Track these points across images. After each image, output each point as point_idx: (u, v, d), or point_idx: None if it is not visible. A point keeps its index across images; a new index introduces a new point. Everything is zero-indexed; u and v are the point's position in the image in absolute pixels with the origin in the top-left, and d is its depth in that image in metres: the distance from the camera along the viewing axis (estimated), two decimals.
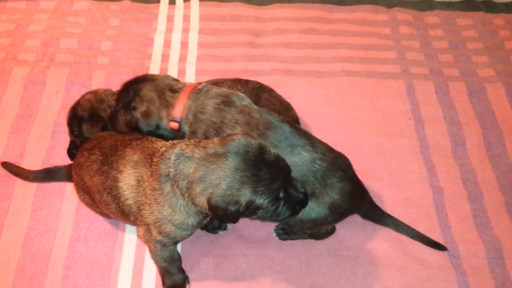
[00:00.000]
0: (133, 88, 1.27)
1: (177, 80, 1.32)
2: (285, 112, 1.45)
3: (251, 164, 0.99)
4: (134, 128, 1.26)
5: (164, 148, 1.09)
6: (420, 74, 1.73)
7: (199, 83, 1.29)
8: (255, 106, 1.25)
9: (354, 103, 1.64)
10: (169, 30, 1.84)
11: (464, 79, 1.71)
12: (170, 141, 1.13)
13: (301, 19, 1.90)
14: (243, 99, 1.25)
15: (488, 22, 1.90)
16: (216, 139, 1.04)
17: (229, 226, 1.35)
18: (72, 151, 1.41)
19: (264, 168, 1.00)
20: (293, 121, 1.42)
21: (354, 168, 1.22)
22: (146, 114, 1.26)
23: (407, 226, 1.33)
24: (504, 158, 1.52)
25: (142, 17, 1.86)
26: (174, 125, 1.24)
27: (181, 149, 1.04)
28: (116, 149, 1.17)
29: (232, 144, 1.01)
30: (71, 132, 1.40)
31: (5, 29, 1.80)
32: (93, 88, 1.61)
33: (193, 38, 1.82)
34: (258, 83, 1.49)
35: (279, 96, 1.49)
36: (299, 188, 1.07)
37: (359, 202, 1.25)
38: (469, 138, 1.56)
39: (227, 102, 1.23)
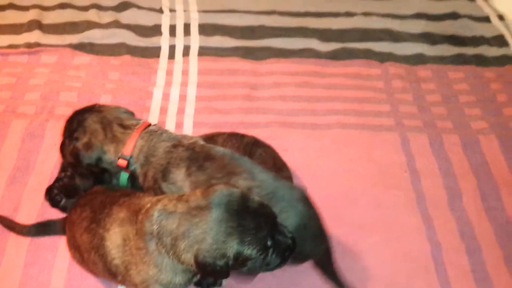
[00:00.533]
0: (78, 118, 1.28)
1: (129, 113, 1.32)
2: (278, 172, 1.37)
3: (235, 214, 0.98)
4: (76, 159, 1.26)
5: (149, 205, 1.08)
6: (414, 126, 1.75)
7: (151, 124, 1.29)
8: (202, 142, 1.24)
9: (349, 155, 1.66)
10: (168, 84, 1.88)
11: (457, 131, 1.74)
12: (155, 197, 1.12)
13: (296, 73, 1.95)
14: (191, 139, 1.24)
15: (480, 76, 1.94)
16: (198, 191, 1.03)
17: (224, 282, 1.33)
18: (53, 190, 1.34)
19: (249, 217, 0.98)
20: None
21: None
22: (88, 146, 1.25)
23: None
24: (500, 211, 1.51)
25: (141, 71, 1.90)
26: (123, 162, 1.23)
27: (164, 205, 1.04)
28: (105, 206, 1.16)
29: (213, 195, 1.00)
30: (63, 170, 1.36)
31: (6, 82, 1.83)
32: None
33: (191, 91, 1.86)
34: (254, 138, 1.49)
35: (275, 153, 1.48)
36: (286, 234, 1.04)
37: (312, 244, 1.19)
38: (465, 190, 1.56)
39: (177, 145, 1.22)
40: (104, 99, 1.79)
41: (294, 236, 1.06)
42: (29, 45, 1.96)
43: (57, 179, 1.37)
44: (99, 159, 1.25)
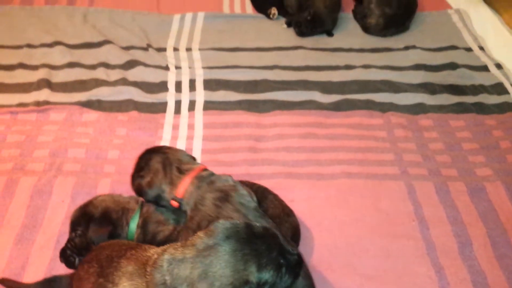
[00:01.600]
0: (147, 157, 1.43)
1: (191, 157, 1.43)
2: (286, 217, 1.48)
3: (245, 241, 1.02)
4: (139, 194, 1.41)
5: (155, 256, 1.09)
6: (419, 175, 1.76)
7: (205, 169, 1.38)
8: (254, 204, 1.30)
9: (356, 205, 1.65)
10: (174, 138, 1.91)
11: (463, 178, 1.74)
12: (160, 247, 1.14)
13: (300, 124, 1.98)
14: (242, 196, 1.28)
15: (481, 123, 1.97)
16: (200, 233, 1.07)
17: None
18: (66, 252, 1.36)
19: (259, 241, 1.02)
20: (293, 227, 1.46)
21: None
22: (149, 185, 1.38)
23: None
24: (511, 258, 1.49)
25: (148, 126, 1.94)
26: (175, 203, 1.35)
27: (171, 254, 1.05)
28: (112, 260, 1.16)
29: (219, 231, 1.04)
30: (73, 230, 1.37)
31: (15, 140, 1.86)
32: None
33: (197, 144, 1.89)
34: (262, 186, 1.55)
35: (282, 201, 1.53)
36: (292, 251, 1.08)
37: None
38: (474, 238, 1.55)
39: (223, 198, 1.29)
40: (112, 155, 1.82)
41: (299, 252, 1.11)
42: (38, 103, 2.01)
43: (69, 240, 1.38)
44: (159, 197, 1.38)
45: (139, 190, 1.41)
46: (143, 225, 1.39)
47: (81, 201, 1.59)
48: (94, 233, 1.35)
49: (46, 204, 1.62)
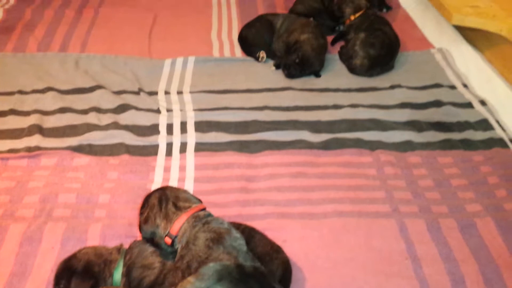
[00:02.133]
0: (148, 196, 1.44)
1: (193, 196, 1.45)
2: (276, 254, 1.48)
3: (239, 282, 1.03)
4: (141, 233, 1.40)
5: None
6: (410, 212, 1.77)
7: (202, 209, 1.40)
8: (245, 248, 1.29)
9: (348, 244, 1.65)
10: (166, 180, 1.91)
11: (453, 215, 1.75)
12: None
13: (290, 164, 1.99)
14: (235, 240, 1.27)
15: (468, 159, 2.00)
16: (190, 278, 1.06)
17: None
18: None
19: (251, 280, 1.05)
20: (283, 263, 1.45)
21: None
22: (146, 220, 1.38)
23: None
24: None
25: (140, 169, 1.95)
26: (168, 240, 1.34)
27: None
28: None
29: (209, 274, 1.02)
30: (57, 284, 1.35)
31: (5, 186, 1.85)
32: (89, 241, 1.63)
33: (189, 186, 1.89)
34: (249, 226, 1.55)
35: (270, 239, 1.53)
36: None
37: None
38: (467, 275, 1.54)
39: (216, 239, 1.28)
40: (102, 199, 1.81)
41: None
42: (29, 149, 2.01)
43: None
44: (154, 233, 1.37)
45: (139, 228, 1.42)
46: (127, 273, 1.38)
47: (71, 247, 1.58)
48: (76, 287, 1.34)
49: (36, 251, 1.60)
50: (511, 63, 2.45)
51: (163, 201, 1.39)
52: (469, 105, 2.31)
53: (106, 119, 2.19)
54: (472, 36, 2.77)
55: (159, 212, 1.37)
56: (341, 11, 2.70)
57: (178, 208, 1.37)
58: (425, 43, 2.81)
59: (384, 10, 3.06)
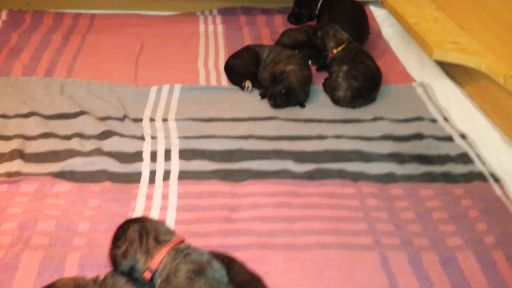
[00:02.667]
0: (124, 227, 1.42)
1: (168, 230, 1.43)
2: (256, 282, 1.48)
3: None
4: (115, 266, 1.38)
5: None
6: (392, 244, 1.77)
7: (182, 242, 1.39)
8: (225, 280, 1.31)
9: (331, 277, 1.64)
10: (148, 208, 1.89)
11: (434, 248, 1.76)
12: None
13: (274, 194, 1.99)
14: (216, 271, 1.28)
15: (449, 192, 2.02)
16: None
17: None
18: None
19: None
20: None
21: None
22: (124, 254, 1.36)
23: None
24: None
25: (121, 197, 1.93)
26: (148, 274, 1.33)
27: None
28: None
29: None
30: None
31: None
32: (66, 271, 1.59)
33: (171, 215, 1.87)
34: (228, 255, 1.53)
35: (250, 269, 1.52)
36: None
37: None
38: None
39: (198, 271, 1.28)
40: (82, 227, 1.78)
41: None
42: (9, 174, 1.98)
43: None
44: (132, 268, 1.36)
45: (114, 261, 1.39)
46: None
47: (48, 276, 1.55)
48: None
49: (12, 279, 1.56)
50: (491, 98, 2.52)
51: (144, 235, 1.37)
52: (449, 138, 2.35)
53: (89, 145, 2.18)
54: (452, 71, 2.85)
55: (139, 247, 1.35)
56: (324, 45, 2.77)
57: (158, 242, 1.36)
58: (407, 77, 2.87)
59: None
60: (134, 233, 1.37)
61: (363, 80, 2.53)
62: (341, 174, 2.10)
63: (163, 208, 1.90)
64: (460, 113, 2.54)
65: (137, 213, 1.86)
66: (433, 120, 2.48)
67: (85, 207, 1.87)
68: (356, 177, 2.09)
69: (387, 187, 2.04)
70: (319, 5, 3.05)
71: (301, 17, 3.11)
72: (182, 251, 1.35)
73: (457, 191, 2.03)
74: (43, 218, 1.80)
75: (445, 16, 2.99)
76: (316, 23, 3.08)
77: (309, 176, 2.09)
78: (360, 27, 3.01)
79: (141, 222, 1.42)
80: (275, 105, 2.52)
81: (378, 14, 3.44)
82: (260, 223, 1.85)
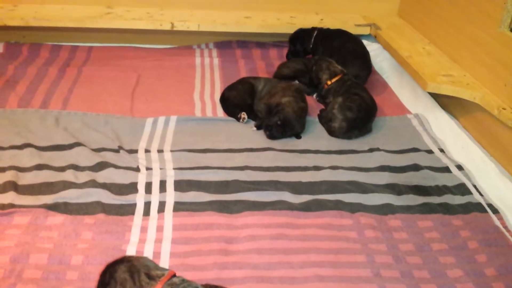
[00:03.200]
0: (110, 270, 1.36)
1: (155, 264, 1.40)
2: None
3: None
4: None
5: None
6: (391, 277, 1.74)
7: (175, 275, 1.36)
8: None
9: None
10: (142, 241, 1.86)
11: (435, 280, 1.73)
12: None
13: (271, 225, 1.97)
14: None
15: (448, 224, 2.00)
16: None
17: None
18: None
19: None
20: None
21: None
22: None
23: None
24: None
25: (115, 230, 1.89)
26: None
27: None
28: None
29: None
30: None
31: None
32: None
33: (166, 247, 1.83)
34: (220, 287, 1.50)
35: None
36: None
37: None
38: None
39: None
40: (75, 260, 1.74)
41: None
42: (2, 206, 1.94)
43: None
44: None
45: None
46: None
47: None
48: None
49: None
50: (486, 130, 2.54)
51: (134, 273, 1.33)
52: (446, 169, 2.35)
53: (84, 176, 2.15)
54: (447, 103, 2.89)
55: (133, 286, 1.31)
56: (318, 78, 2.81)
57: (152, 278, 1.33)
58: (402, 109, 2.90)
59: None
60: (124, 274, 1.33)
61: (358, 111, 2.55)
62: (338, 205, 2.08)
63: (158, 241, 1.86)
64: (455, 145, 2.55)
65: (132, 246, 1.82)
66: (429, 151, 2.49)
67: (78, 240, 1.83)
68: (354, 208, 2.07)
69: (385, 218, 2.02)
70: (312, 39, 3.16)
71: (297, 53, 3.22)
72: (177, 285, 1.31)
73: (456, 222, 2.01)
74: (36, 251, 1.76)
75: (438, 50, 3.06)
76: (312, 57, 3.14)
77: (306, 207, 2.07)
78: (364, 60, 3.10)
79: (127, 262, 1.37)
80: (271, 136, 2.52)
81: (371, 48, 3.50)
82: (257, 255, 1.82)
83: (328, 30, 3.20)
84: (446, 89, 2.63)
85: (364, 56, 3.11)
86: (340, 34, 3.16)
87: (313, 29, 3.19)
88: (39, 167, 2.20)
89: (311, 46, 3.16)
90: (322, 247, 1.86)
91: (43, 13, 3.30)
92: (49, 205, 1.97)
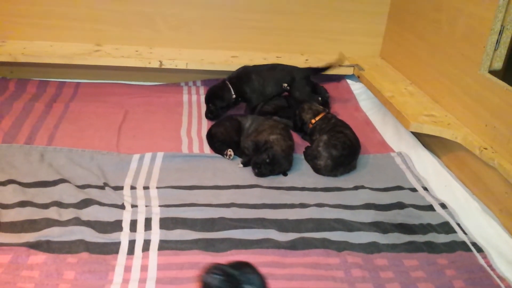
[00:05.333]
0: None
1: None
2: None
3: None
4: None
5: None
6: None
7: None
8: None
9: None
10: (126, 281, 1.82)
11: None
12: None
13: (258, 264, 1.90)
14: None
15: (433, 262, 2.01)
16: None
17: None
18: None
19: None
20: None
21: None
22: None
23: None
24: None
25: (98, 269, 1.85)
26: None
27: None
28: None
29: None
30: None
31: None
32: None
33: (150, 287, 1.80)
34: None
35: None
36: None
37: None
38: None
39: None
40: None
41: None
42: None
43: None
44: None
45: None
46: None
47: None
48: None
49: None
50: (468, 168, 2.58)
51: None
52: (430, 207, 2.37)
53: (68, 214, 2.12)
54: (429, 142, 2.94)
55: None
56: (302, 119, 2.88)
57: None
58: (385, 147, 2.94)
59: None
60: None
61: (342, 149, 2.59)
62: (325, 244, 2.08)
63: (142, 281, 1.83)
64: (438, 183, 2.59)
65: (115, 286, 1.78)
66: (413, 189, 2.52)
67: (60, 280, 1.79)
68: (340, 246, 2.07)
69: (371, 257, 2.02)
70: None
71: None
72: None
73: (441, 261, 2.02)
74: None
75: (419, 90, 3.15)
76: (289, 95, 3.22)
77: (293, 245, 2.06)
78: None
79: None
80: (260, 173, 2.54)
81: (355, 87, 3.59)
82: None
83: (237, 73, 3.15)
84: (428, 129, 2.69)
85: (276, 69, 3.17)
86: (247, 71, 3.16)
87: (224, 80, 3.11)
88: (23, 204, 2.17)
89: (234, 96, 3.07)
90: (309, 287, 1.85)
91: (32, 49, 3.33)
92: (31, 244, 1.93)
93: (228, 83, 3.08)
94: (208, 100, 3.09)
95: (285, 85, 3.11)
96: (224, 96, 3.06)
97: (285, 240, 2.09)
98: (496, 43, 2.47)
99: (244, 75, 3.14)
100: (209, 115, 3.11)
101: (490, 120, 2.43)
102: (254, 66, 3.20)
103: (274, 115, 3.06)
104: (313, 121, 2.83)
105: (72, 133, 2.83)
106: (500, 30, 2.45)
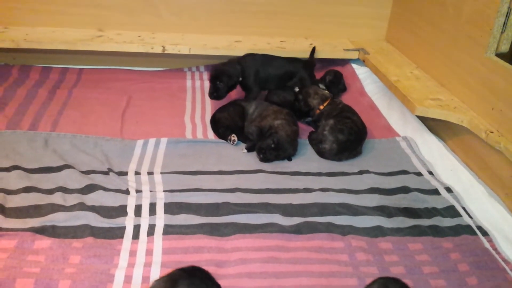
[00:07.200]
0: None
1: None
2: None
3: None
4: None
5: None
6: None
7: None
8: None
9: None
10: (131, 265, 1.83)
11: None
12: None
13: (262, 248, 1.95)
14: None
15: (438, 246, 2.00)
16: None
17: None
18: None
19: None
20: None
21: None
22: None
23: None
24: None
25: (104, 253, 1.86)
26: None
27: None
28: None
29: None
30: None
31: None
32: None
33: (155, 272, 1.81)
34: None
35: None
36: None
37: None
38: None
39: None
40: (63, 285, 1.70)
41: None
42: None
43: None
44: None
45: None
46: None
47: None
48: None
49: None
50: (473, 152, 2.57)
51: None
52: (435, 191, 2.36)
53: (72, 199, 2.13)
54: (435, 126, 2.92)
55: None
56: (308, 105, 2.82)
57: None
58: (390, 131, 2.93)
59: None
60: None
61: (348, 134, 2.57)
62: (329, 228, 2.08)
63: (147, 265, 1.84)
64: (444, 167, 2.57)
65: (120, 270, 1.79)
66: (418, 174, 2.51)
67: (66, 264, 1.80)
68: (345, 230, 2.07)
69: (375, 241, 2.02)
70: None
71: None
72: None
73: (446, 245, 2.01)
74: (22, 275, 1.72)
75: (425, 74, 3.11)
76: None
77: (297, 230, 2.06)
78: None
79: None
80: (264, 159, 2.53)
81: (360, 71, 3.55)
82: (248, 279, 1.80)
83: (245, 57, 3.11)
84: (434, 113, 2.66)
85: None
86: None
87: (230, 60, 3.05)
88: (27, 189, 2.18)
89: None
90: (314, 271, 1.85)
91: (34, 36, 3.31)
92: (37, 229, 1.94)
93: (236, 64, 3.03)
94: (215, 77, 2.89)
95: (297, 89, 3.08)
96: (233, 75, 2.96)
97: (289, 224, 2.09)
98: (503, 26, 2.43)
99: (252, 61, 3.09)
100: (214, 94, 2.90)
101: (497, 104, 2.40)
102: (263, 55, 3.14)
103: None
104: (321, 107, 2.80)
105: (75, 119, 2.83)
106: (507, 12, 2.41)
